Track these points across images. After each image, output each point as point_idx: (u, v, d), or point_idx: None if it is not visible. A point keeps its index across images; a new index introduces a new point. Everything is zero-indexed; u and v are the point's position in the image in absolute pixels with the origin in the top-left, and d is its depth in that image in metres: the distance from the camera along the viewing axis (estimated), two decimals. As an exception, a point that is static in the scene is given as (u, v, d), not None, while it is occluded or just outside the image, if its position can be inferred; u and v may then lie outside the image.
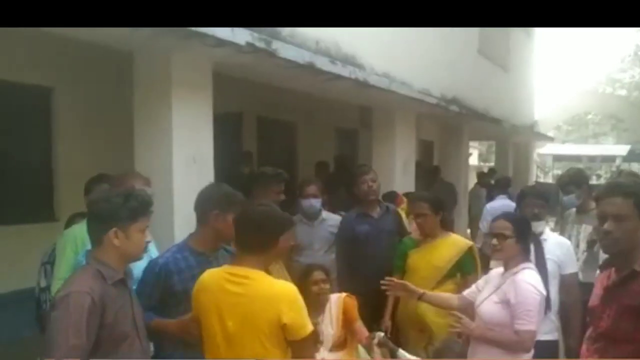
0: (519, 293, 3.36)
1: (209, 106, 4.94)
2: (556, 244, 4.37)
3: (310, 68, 5.47)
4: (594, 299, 2.91)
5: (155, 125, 4.61)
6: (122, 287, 2.70)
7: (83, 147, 6.15)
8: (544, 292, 3.49)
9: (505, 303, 3.40)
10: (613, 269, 2.80)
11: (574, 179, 5.47)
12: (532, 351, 3.46)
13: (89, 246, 3.61)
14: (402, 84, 7.69)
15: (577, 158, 26.65)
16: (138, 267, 3.15)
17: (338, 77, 6.01)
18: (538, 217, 4.42)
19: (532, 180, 20.15)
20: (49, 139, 6.31)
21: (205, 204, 3.33)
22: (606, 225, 2.69)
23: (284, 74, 5.57)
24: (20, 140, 5.98)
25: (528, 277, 3.43)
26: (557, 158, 28.37)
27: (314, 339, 2.69)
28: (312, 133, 10.95)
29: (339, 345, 4.39)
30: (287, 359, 2.73)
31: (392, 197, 6.67)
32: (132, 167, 4.56)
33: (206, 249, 3.32)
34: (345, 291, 4.47)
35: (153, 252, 3.60)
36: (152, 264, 3.29)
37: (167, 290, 3.21)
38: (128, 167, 4.54)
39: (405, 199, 6.75)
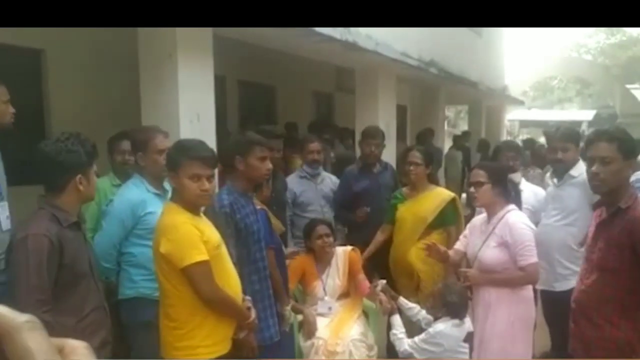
0: (514, 232, 3.61)
1: (210, 64, 5.02)
2: (531, 193, 4.70)
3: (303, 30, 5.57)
4: (589, 236, 3.21)
5: (162, 83, 4.68)
6: (77, 230, 2.78)
7: (79, 109, 6.12)
8: (534, 227, 3.78)
9: (503, 245, 3.64)
10: (604, 207, 3.09)
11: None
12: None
13: (111, 197, 3.76)
14: (386, 46, 7.81)
15: (544, 123, 26.97)
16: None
17: (330, 39, 6.11)
18: (513, 169, 4.75)
19: (503, 144, 20.35)
20: (41, 101, 6.27)
21: (229, 151, 3.51)
22: (594, 168, 3.00)
23: (275, 34, 5.65)
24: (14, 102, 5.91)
25: (517, 217, 3.71)
26: (524, 124, 28.74)
27: (202, 271, 2.81)
28: (291, 97, 11.03)
29: (345, 294, 4.66)
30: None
31: None
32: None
33: (245, 190, 3.50)
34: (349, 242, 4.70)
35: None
36: (220, 205, 3.34)
37: (234, 227, 3.35)
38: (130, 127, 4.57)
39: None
